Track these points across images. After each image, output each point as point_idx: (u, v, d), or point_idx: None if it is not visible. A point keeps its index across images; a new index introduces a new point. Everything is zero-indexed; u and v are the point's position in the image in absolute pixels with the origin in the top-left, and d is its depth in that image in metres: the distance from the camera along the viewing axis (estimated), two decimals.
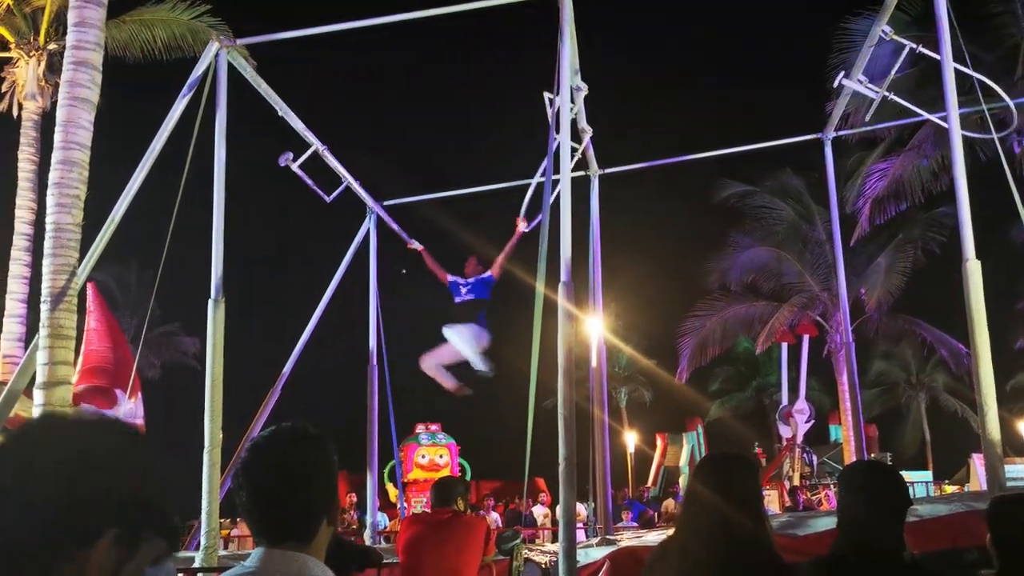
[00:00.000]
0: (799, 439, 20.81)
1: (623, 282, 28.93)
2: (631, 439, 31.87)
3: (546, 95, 7.39)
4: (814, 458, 20.88)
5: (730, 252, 21.47)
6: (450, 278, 9.16)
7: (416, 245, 9.84)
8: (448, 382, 9.18)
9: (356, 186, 9.93)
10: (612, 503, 10.33)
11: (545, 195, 6.96)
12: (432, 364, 9.12)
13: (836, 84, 8.52)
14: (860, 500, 2.59)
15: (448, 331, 8.90)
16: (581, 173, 9.65)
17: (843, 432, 21.06)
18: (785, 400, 22.44)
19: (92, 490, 1.01)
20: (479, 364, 8.83)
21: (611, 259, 10.67)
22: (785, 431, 21.47)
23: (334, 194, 9.55)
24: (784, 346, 22.30)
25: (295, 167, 8.82)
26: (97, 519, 0.99)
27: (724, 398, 32.76)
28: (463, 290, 9.01)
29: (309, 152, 8.85)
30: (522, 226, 8.89)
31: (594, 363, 9.79)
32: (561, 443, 5.67)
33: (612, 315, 26.92)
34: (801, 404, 21.27)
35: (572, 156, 7.37)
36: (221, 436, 6.37)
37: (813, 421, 21.44)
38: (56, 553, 0.96)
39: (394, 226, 10.51)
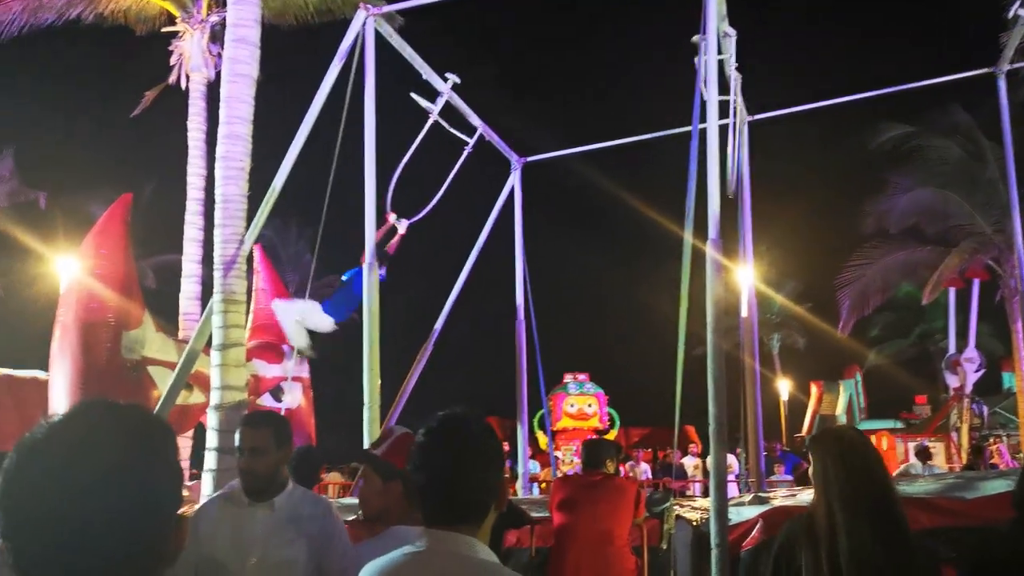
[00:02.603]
0: (968, 389, 19.72)
1: (775, 228, 28.06)
2: (784, 387, 31.10)
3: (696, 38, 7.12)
4: (984, 408, 19.78)
5: (889, 195, 20.30)
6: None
7: (398, 224, 8.77)
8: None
9: (500, 143, 10.05)
10: (764, 457, 10.16)
11: (692, 145, 6.83)
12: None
13: (1011, 14, 7.90)
14: None
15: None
16: (729, 121, 9.39)
17: (1017, 381, 19.77)
18: (952, 348, 21.25)
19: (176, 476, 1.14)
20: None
21: (762, 205, 10.33)
22: (952, 380, 20.35)
23: (469, 146, 9.63)
24: (952, 291, 21.05)
25: (436, 113, 8.94)
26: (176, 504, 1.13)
27: (884, 344, 31.21)
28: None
29: (443, 104, 8.96)
30: (396, 223, 8.46)
31: (744, 313, 9.59)
32: (711, 404, 5.60)
33: (764, 262, 26.20)
34: (970, 352, 20.08)
35: (722, 104, 7.15)
36: (379, 393, 6.68)
37: (984, 370, 20.22)
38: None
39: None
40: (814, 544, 2.70)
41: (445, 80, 8.64)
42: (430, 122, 8.88)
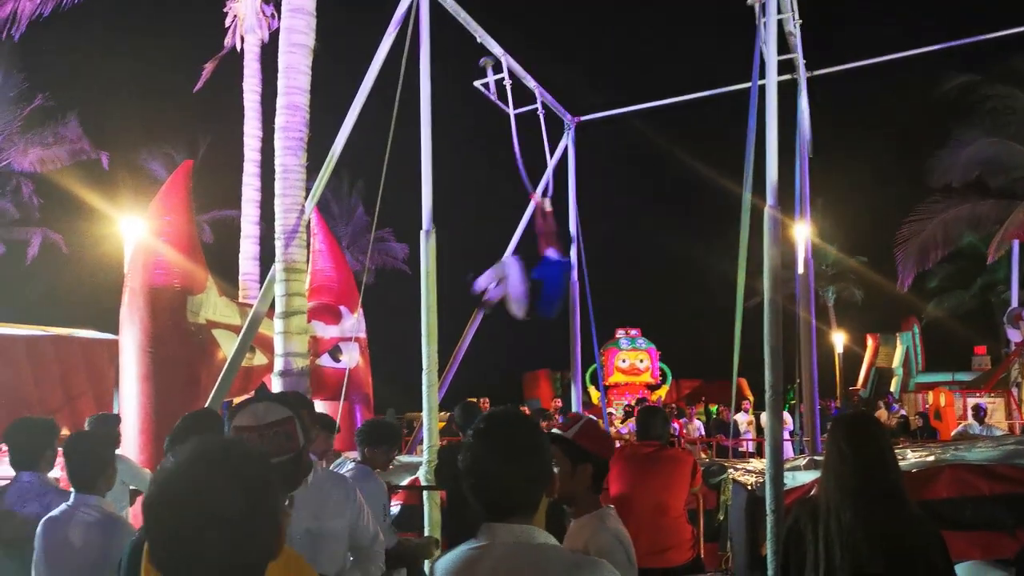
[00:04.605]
0: None
1: (832, 179, 27.50)
2: (839, 339, 30.71)
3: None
4: None
5: (952, 148, 19.67)
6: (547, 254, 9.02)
7: (542, 202, 9.37)
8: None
9: (553, 103, 10.00)
10: (820, 416, 10.10)
11: (751, 102, 6.74)
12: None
13: None
14: None
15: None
16: (788, 77, 9.23)
17: None
18: (1015, 301, 20.74)
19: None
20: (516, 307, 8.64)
21: (820, 158, 10.15)
22: (1014, 335, 19.88)
23: (539, 110, 9.62)
24: (1016, 242, 20.48)
25: (490, 80, 8.96)
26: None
27: (943, 296, 30.47)
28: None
29: (504, 73, 8.97)
30: (542, 202, 8.88)
31: (800, 270, 9.51)
32: (768, 372, 5.60)
33: (820, 214, 25.70)
34: None
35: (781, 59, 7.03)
36: (437, 359, 6.80)
37: None
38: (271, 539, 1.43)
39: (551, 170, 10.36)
40: (815, 525, 2.82)
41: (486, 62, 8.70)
42: (511, 116, 9.04)
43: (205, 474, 1.37)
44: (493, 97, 9.13)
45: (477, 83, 9.02)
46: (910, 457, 6.71)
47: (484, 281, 9.03)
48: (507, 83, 8.92)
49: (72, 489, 3.45)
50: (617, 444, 6.05)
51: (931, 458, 6.56)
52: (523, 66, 9.22)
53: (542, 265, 8.81)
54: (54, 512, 3.40)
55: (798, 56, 9.04)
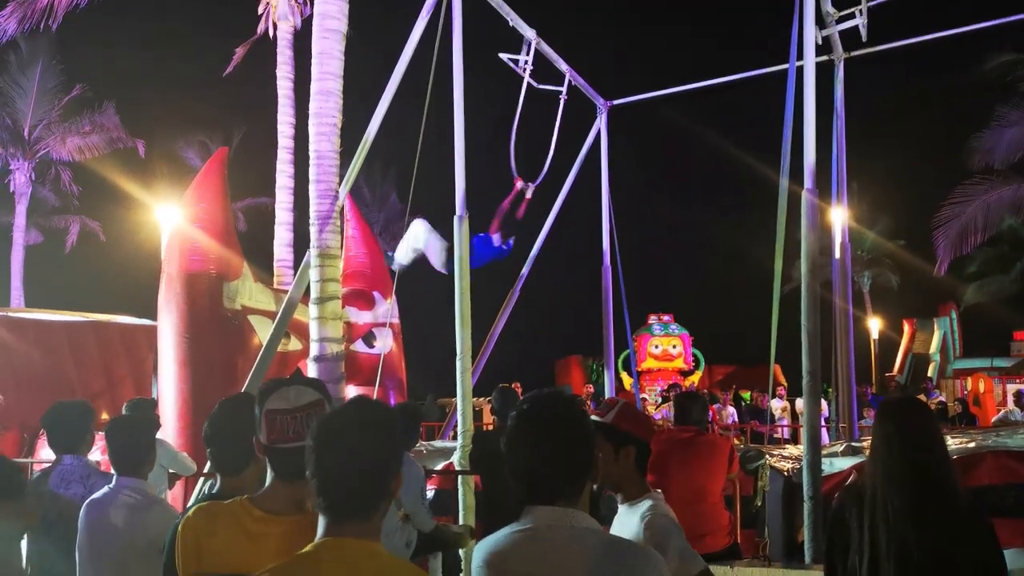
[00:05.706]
0: None
1: (869, 161, 27.09)
2: (874, 325, 30.33)
3: None
4: None
5: (994, 128, 19.17)
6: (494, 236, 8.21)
7: (527, 190, 8.41)
8: None
9: (586, 87, 9.92)
10: (856, 402, 9.97)
11: (789, 84, 6.66)
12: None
13: None
14: None
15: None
16: (825, 58, 9.12)
17: None
18: None
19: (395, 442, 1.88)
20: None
21: (856, 140, 9.98)
22: None
23: (563, 94, 9.47)
24: None
25: (523, 63, 8.80)
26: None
27: (983, 281, 29.84)
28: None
29: (531, 54, 8.85)
30: (524, 188, 8.16)
31: (837, 255, 9.41)
32: (805, 357, 5.55)
33: (856, 198, 25.32)
34: None
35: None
36: (471, 344, 6.81)
37: None
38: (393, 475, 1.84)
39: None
40: (860, 511, 2.78)
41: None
42: (524, 87, 8.73)
43: (347, 416, 1.84)
44: (521, 72, 8.89)
45: (526, 79, 8.73)
46: (950, 443, 6.62)
47: (403, 255, 8.60)
48: (527, 63, 8.68)
49: (114, 472, 3.50)
50: None
51: (972, 444, 6.47)
52: (553, 48, 9.13)
53: (482, 242, 8.04)
54: (97, 495, 3.45)
55: (836, 36, 8.90)
